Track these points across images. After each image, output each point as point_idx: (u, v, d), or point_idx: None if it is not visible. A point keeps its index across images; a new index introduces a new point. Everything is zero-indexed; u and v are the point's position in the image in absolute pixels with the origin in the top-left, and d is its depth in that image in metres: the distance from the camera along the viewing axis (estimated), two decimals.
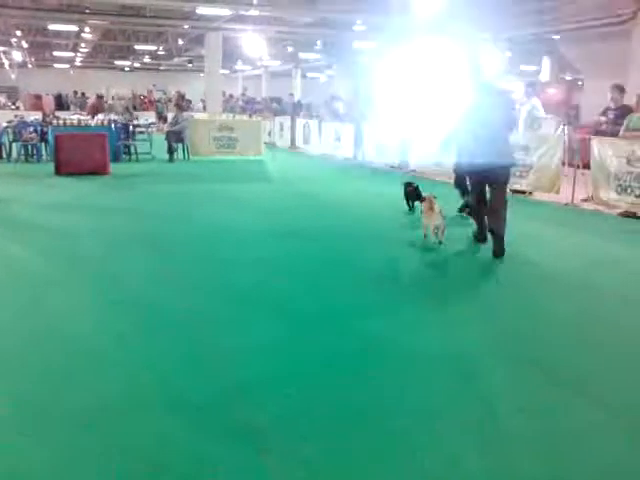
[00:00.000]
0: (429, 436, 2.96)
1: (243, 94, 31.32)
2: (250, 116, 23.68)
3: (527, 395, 3.40)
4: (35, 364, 3.67)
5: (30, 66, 38.22)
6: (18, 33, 28.97)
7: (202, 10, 19.37)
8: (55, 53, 35.17)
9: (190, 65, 37.11)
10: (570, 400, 3.35)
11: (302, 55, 33.05)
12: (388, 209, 9.10)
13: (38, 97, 28.92)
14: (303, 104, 23.48)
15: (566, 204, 9.72)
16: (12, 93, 35.29)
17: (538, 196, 10.45)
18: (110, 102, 16.75)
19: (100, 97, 20.38)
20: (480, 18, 19.72)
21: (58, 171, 11.77)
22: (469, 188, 7.05)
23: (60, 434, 2.91)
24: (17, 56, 33.36)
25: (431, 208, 6.68)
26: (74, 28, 25.86)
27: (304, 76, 38.09)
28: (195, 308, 4.67)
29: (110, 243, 6.75)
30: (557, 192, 9.98)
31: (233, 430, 2.97)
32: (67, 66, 39.62)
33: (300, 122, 19.96)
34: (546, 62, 24.91)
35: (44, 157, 14.36)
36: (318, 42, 30.49)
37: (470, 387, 3.48)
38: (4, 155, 14.81)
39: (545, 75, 24.87)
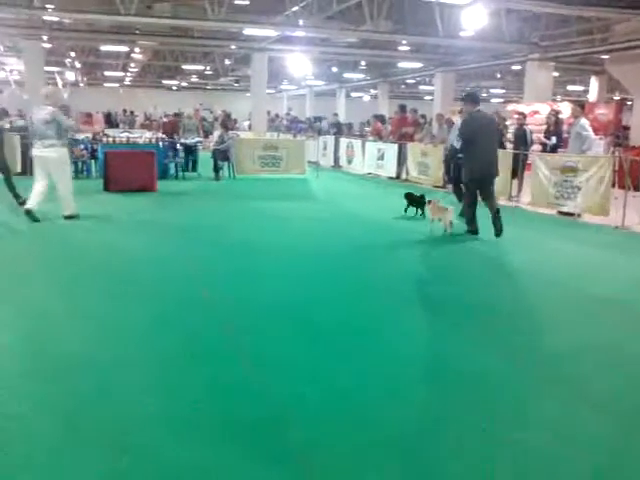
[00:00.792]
0: None
1: (288, 113, 31.64)
2: (294, 135, 23.88)
3: None
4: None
5: (82, 85, 39.37)
6: (72, 54, 29.94)
7: (249, 31, 19.70)
8: (106, 73, 36.19)
9: (236, 85, 37.69)
10: None
11: (346, 75, 33.27)
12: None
13: (89, 115, 29.69)
14: (345, 124, 23.62)
15: (616, 227, 9.49)
16: (64, 111, 36.33)
17: (587, 218, 10.24)
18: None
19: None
20: (528, 38, 19.62)
21: (107, 188, 12.04)
22: (465, 192, 8.88)
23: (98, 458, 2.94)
24: (70, 76, 34.40)
25: (438, 208, 8.72)
26: (125, 49, 26.61)
27: (348, 96, 38.33)
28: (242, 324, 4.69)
29: (155, 257, 6.86)
30: (606, 215, 9.76)
31: (281, 451, 2.96)
32: (117, 85, 40.69)
33: (344, 141, 20.03)
34: (594, 82, 24.54)
35: (93, 174, 14.71)
36: (362, 62, 30.69)
37: None
38: None
39: (593, 95, 24.48)
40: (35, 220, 8.54)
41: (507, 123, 16.48)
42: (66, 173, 8.95)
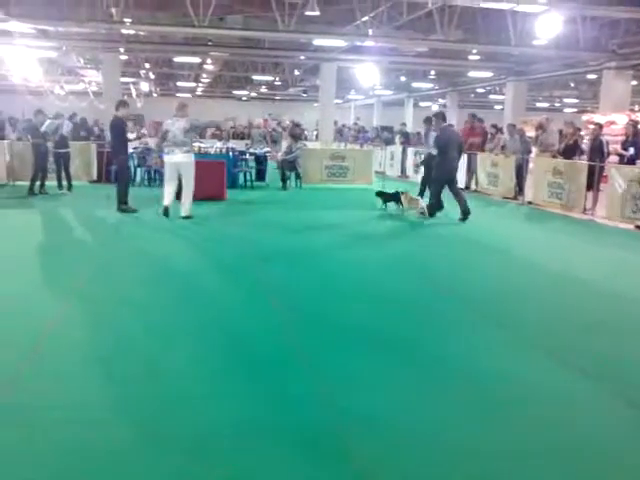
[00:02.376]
0: None
1: (355, 123, 31.66)
2: (361, 145, 23.85)
3: None
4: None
5: (155, 95, 40.55)
6: (147, 65, 30.90)
7: (319, 41, 19.83)
8: (178, 83, 37.21)
9: (304, 95, 38.03)
10: None
11: (415, 84, 33.04)
12: (501, 241, 8.82)
13: (159, 124, 30.50)
14: (413, 133, 23.42)
15: None
16: (138, 120, 37.49)
17: None
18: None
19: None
20: (605, 46, 19.00)
21: (178, 196, 12.27)
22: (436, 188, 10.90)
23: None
24: (144, 86, 35.50)
25: (410, 198, 11.18)
26: (197, 60, 27.27)
27: (416, 105, 38.04)
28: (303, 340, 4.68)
29: (222, 262, 6.94)
30: None
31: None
32: (189, 95, 41.70)
33: (411, 151, 19.86)
34: None
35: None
36: (431, 71, 30.41)
37: None
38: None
39: None
40: (166, 216, 9.82)
41: (581, 133, 15.97)
42: (192, 177, 10.04)
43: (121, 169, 10.88)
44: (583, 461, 3.08)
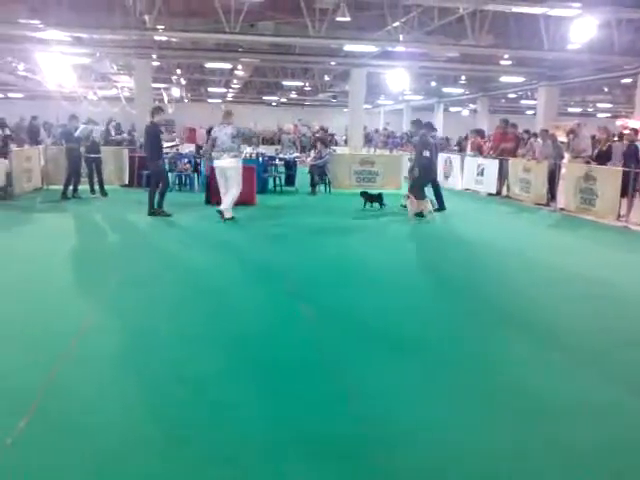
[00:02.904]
0: None
1: (385, 128, 31.58)
2: (391, 150, 23.78)
3: None
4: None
5: (186, 101, 40.96)
6: (178, 71, 31.24)
7: (349, 47, 19.84)
8: (209, 89, 37.51)
9: (334, 100, 38.05)
10: None
11: (445, 89, 32.84)
12: (534, 250, 8.70)
13: (192, 130, 30.78)
14: (442, 138, 23.27)
15: None
16: (169, 126, 37.92)
17: None
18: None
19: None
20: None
21: (209, 201, 12.38)
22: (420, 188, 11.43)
23: None
24: (176, 92, 35.85)
25: (419, 202, 11.19)
26: (228, 66, 27.47)
27: (446, 110, 37.82)
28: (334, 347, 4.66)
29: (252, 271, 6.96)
30: None
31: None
32: (219, 101, 42.03)
33: (441, 157, 19.72)
34: None
35: (196, 187, 15.19)
36: (462, 76, 30.22)
37: None
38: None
39: None
40: (220, 213, 10.22)
41: (615, 139, 15.69)
42: (239, 180, 10.49)
43: (155, 175, 11.01)
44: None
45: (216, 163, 10.43)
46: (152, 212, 10.75)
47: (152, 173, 11.21)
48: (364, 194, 12.61)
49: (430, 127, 12.48)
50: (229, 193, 10.40)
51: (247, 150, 16.01)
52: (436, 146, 12.78)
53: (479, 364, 4.38)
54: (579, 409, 3.71)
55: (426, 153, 11.34)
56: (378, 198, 12.53)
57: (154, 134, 10.83)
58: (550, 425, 3.48)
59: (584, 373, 4.28)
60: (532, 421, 3.52)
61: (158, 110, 11.15)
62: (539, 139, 15.03)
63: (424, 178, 11.50)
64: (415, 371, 4.21)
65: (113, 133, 17.29)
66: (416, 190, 11.36)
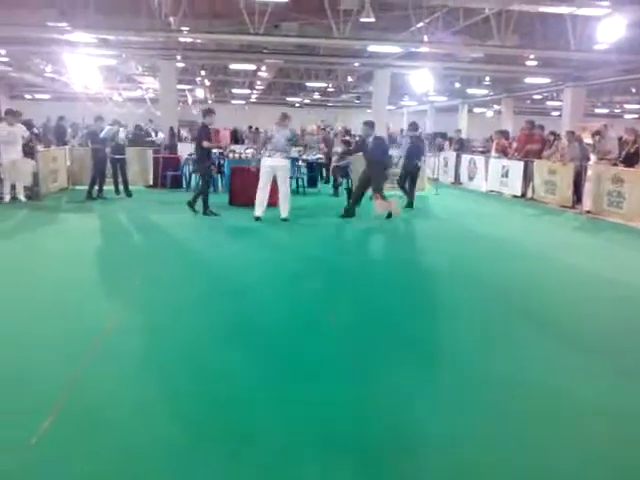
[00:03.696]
0: None
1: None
2: None
3: None
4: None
5: (210, 102, 41.17)
6: (202, 73, 31.41)
7: (374, 48, 19.78)
8: (233, 90, 37.68)
9: (357, 101, 37.98)
10: None
11: (470, 90, 32.61)
12: (560, 251, 8.58)
13: (216, 131, 30.97)
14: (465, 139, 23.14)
15: None
16: (193, 127, 38.18)
17: None
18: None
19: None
20: None
21: (232, 202, 12.42)
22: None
23: None
24: (200, 93, 36.08)
25: (387, 203, 11.09)
26: (252, 67, 27.55)
27: (470, 111, 37.54)
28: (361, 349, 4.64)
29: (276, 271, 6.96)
30: None
31: None
32: (243, 102, 42.20)
33: (465, 158, 19.61)
34: None
35: (220, 188, 15.24)
36: (487, 77, 29.97)
37: None
38: (184, 185, 15.94)
39: None
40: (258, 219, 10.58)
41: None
42: (288, 180, 11.00)
43: (203, 176, 11.28)
44: None
45: (266, 162, 10.69)
46: (206, 213, 11.10)
47: (200, 173, 11.59)
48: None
49: (415, 127, 13.48)
50: (282, 195, 10.77)
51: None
52: (418, 144, 13.56)
53: (510, 374, 4.31)
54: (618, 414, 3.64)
55: (391, 152, 11.79)
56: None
57: (202, 135, 11.08)
58: (582, 433, 3.43)
59: (607, 375, 4.21)
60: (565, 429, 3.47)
61: (209, 112, 11.36)
62: (564, 140, 14.84)
63: (383, 177, 11.57)
64: (443, 378, 4.16)
65: (154, 135, 17.58)
66: (379, 190, 11.38)
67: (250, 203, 11.48)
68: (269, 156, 10.68)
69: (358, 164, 15.91)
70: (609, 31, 13.95)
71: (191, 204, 11.16)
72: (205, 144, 10.99)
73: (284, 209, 10.78)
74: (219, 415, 3.48)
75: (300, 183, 15.68)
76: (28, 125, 14.93)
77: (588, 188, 13.14)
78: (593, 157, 14.32)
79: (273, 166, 10.63)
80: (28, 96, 39.15)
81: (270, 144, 10.72)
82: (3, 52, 23.56)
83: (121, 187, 13.82)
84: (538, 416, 3.61)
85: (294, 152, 17.70)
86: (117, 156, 13.59)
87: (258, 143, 11.44)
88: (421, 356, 4.51)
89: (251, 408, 3.58)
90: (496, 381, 4.09)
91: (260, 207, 10.72)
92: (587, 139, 16.09)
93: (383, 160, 11.41)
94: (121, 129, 13.97)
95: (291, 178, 15.28)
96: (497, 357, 4.56)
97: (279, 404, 3.64)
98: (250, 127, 34.72)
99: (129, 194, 13.82)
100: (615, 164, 13.00)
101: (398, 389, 3.88)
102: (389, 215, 11.12)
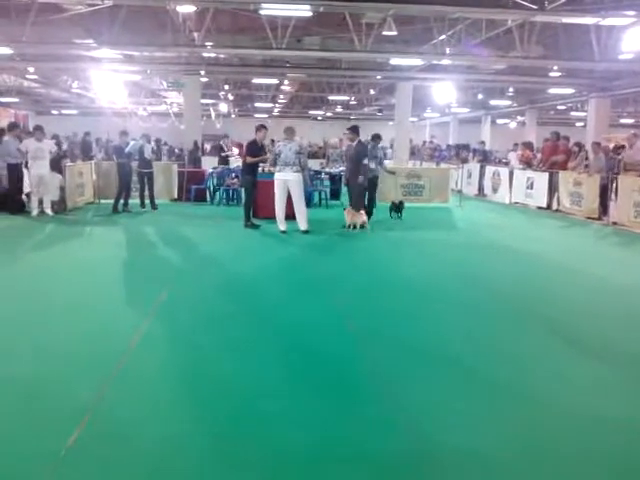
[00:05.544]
0: None
1: (431, 142, 31.38)
2: (437, 164, 23.61)
3: None
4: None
5: (233, 116, 41.53)
6: (226, 87, 31.73)
7: (396, 61, 19.80)
8: (256, 104, 37.97)
9: (379, 114, 38.03)
10: None
11: (493, 102, 32.47)
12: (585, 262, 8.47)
13: (239, 145, 31.22)
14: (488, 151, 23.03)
15: None
16: (216, 141, 38.56)
17: None
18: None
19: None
20: None
21: (255, 214, 12.46)
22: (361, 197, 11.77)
23: None
24: (223, 107, 36.41)
25: (354, 214, 11.17)
26: (275, 81, 27.76)
27: (493, 122, 37.36)
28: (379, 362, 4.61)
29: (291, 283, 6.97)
30: None
31: None
32: (266, 116, 42.45)
33: (489, 169, 19.50)
34: None
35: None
36: (510, 88, 29.84)
37: None
38: (208, 198, 16.05)
39: None
40: (284, 233, 10.77)
41: None
42: (302, 193, 10.98)
43: (246, 189, 11.60)
44: None
45: (278, 175, 10.86)
46: (247, 225, 11.42)
47: (244, 187, 11.91)
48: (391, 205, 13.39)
49: (378, 138, 13.11)
50: (298, 208, 10.90)
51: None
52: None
53: (533, 388, 4.26)
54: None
55: (365, 161, 11.49)
56: (398, 207, 13.16)
57: (251, 150, 11.37)
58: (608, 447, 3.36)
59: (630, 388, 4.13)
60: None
61: (261, 127, 11.61)
62: (590, 152, 14.66)
63: (365, 188, 11.72)
64: (464, 389, 4.12)
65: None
66: (360, 202, 11.61)
67: (271, 216, 11.56)
68: (279, 171, 10.83)
69: (381, 177, 15.92)
70: (634, 40, 13.82)
71: (247, 224, 11.44)
72: (248, 160, 11.26)
73: (302, 222, 10.86)
74: (246, 432, 3.47)
75: (323, 196, 15.69)
76: (56, 140, 15.18)
77: (615, 199, 12.98)
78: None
79: (285, 180, 10.74)
80: (55, 111, 39.82)
81: (279, 159, 10.82)
82: (32, 69, 24.01)
83: (147, 201, 13.96)
84: (569, 434, 3.55)
85: (317, 165, 17.82)
86: (144, 170, 13.74)
87: (269, 159, 11.53)
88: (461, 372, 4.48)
89: (276, 423, 3.57)
90: (524, 396, 4.04)
91: (282, 222, 10.88)
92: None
93: (358, 167, 11.47)
94: (147, 144, 14.11)
95: (313, 191, 15.39)
96: (530, 373, 4.50)
97: (309, 419, 3.62)
98: (273, 141, 34.96)
99: (155, 207, 13.95)
100: None
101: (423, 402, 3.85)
102: (362, 226, 11.19)
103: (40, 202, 12.52)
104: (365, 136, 13.07)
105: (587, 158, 14.70)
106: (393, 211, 13.18)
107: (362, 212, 11.37)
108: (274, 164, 10.99)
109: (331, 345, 4.97)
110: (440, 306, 6.29)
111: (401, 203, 13.29)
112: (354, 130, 11.92)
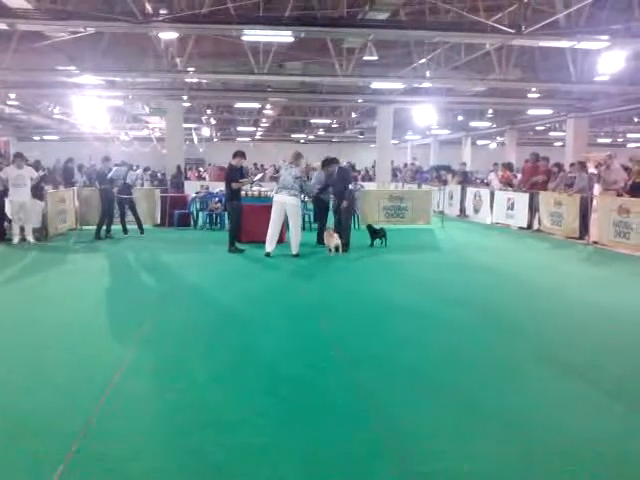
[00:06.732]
0: None
1: (412, 164, 31.67)
2: (419, 186, 23.80)
3: None
4: None
5: (215, 140, 41.65)
6: (208, 111, 31.86)
7: (376, 85, 20.04)
8: (239, 128, 38.15)
9: (361, 137, 38.36)
10: None
11: (472, 124, 32.90)
12: (573, 287, 8.55)
13: (222, 169, 31.27)
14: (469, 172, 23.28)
15: None
16: (199, 165, 38.61)
17: None
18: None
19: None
20: None
21: (238, 239, 12.46)
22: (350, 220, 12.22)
23: None
24: (205, 131, 36.54)
25: (331, 235, 11.19)
26: (257, 105, 27.93)
27: (474, 144, 37.83)
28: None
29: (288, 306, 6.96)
30: None
31: None
32: (248, 139, 42.65)
33: (470, 191, 19.69)
34: None
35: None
36: (489, 110, 30.28)
37: None
38: (192, 223, 16.03)
39: None
40: (268, 255, 10.82)
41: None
42: (299, 217, 11.24)
43: (232, 215, 11.62)
44: None
45: (277, 198, 11.00)
46: (231, 249, 11.44)
47: (228, 212, 12.03)
48: (369, 228, 12.82)
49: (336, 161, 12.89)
50: (293, 232, 11.00)
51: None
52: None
53: (524, 411, 4.27)
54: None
55: (350, 186, 11.83)
56: (380, 234, 12.49)
57: (231, 176, 11.41)
58: None
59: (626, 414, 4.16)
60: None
61: (238, 154, 11.63)
62: (575, 171, 14.77)
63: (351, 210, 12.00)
64: (454, 413, 4.12)
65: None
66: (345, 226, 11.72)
67: (257, 240, 11.58)
68: (277, 192, 10.99)
69: (363, 198, 16.05)
70: (609, 63, 14.14)
71: (232, 249, 11.44)
72: (234, 185, 11.31)
73: (295, 245, 10.89)
74: (235, 464, 3.43)
75: (306, 219, 15.71)
76: (36, 167, 15.11)
77: (594, 219, 13.15)
78: (597, 187, 14.37)
79: (282, 202, 10.84)
80: (36, 137, 39.70)
81: (279, 181, 11.03)
82: (13, 95, 23.98)
83: (130, 226, 13.89)
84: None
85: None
86: (124, 196, 13.67)
87: (264, 175, 11.85)
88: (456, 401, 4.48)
89: (264, 453, 3.54)
90: (516, 419, 4.05)
91: (271, 243, 10.90)
92: (591, 169, 16.14)
93: (343, 191, 11.72)
94: (131, 172, 14.09)
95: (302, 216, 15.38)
96: (520, 396, 4.51)
97: (295, 453, 3.61)
98: (255, 165, 35.08)
99: (142, 232, 13.90)
100: (620, 194, 13.02)
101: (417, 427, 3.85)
102: (337, 249, 11.13)
103: (22, 229, 12.42)
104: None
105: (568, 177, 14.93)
106: (375, 239, 12.48)
107: (335, 235, 11.23)
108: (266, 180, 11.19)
109: (318, 371, 4.95)
110: (427, 327, 6.30)
111: (382, 230, 12.61)
112: (332, 162, 12.29)
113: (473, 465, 3.42)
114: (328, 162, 12.35)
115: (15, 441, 3.65)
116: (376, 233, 12.52)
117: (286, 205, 10.83)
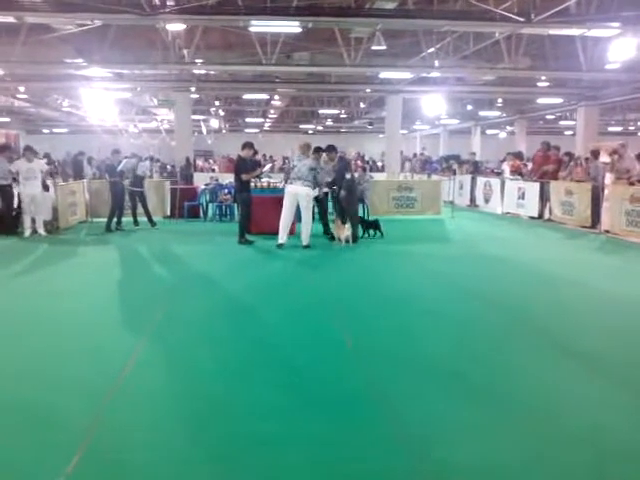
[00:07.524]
0: None
1: (422, 153, 31.55)
2: (429, 176, 23.72)
3: None
4: None
5: (224, 131, 41.64)
6: (216, 103, 31.84)
7: (385, 74, 19.94)
8: (247, 119, 38.14)
9: (369, 127, 38.24)
10: None
11: (482, 113, 32.72)
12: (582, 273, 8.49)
13: (231, 160, 31.28)
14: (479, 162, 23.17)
15: None
16: (208, 157, 38.65)
17: None
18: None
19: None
20: None
21: (248, 231, 12.46)
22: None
23: None
24: (214, 123, 36.52)
25: (341, 227, 11.10)
26: (265, 96, 27.90)
27: (483, 133, 37.64)
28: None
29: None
30: None
31: None
32: (257, 131, 42.61)
33: (481, 180, 19.60)
34: None
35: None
36: (499, 99, 30.09)
37: None
38: (201, 214, 16.04)
39: None
40: (280, 247, 10.77)
41: None
42: (310, 208, 11.13)
43: (242, 206, 11.59)
44: None
45: (288, 188, 11.03)
46: (241, 241, 11.40)
47: (238, 204, 12.09)
48: (361, 219, 12.44)
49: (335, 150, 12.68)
50: (304, 222, 10.94)
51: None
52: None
53: (543, 404, 4.25)
54: None
55: (348, 175, 11.58)
56: (375, 225, 12.25)
57: (240, 167, 11.39)
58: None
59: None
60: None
61: (247, 145, 11.60)
62: (581, 161, 14.71)
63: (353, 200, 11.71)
64: (465, 404, 4.12)
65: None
66: (350, 214, 11.44)
67: (266, 232, 11.58)
68: (291, 183, 10.97)
69: (373, 189, 16.01)
70: (620, 51, 13.99)
71: (242, 241, 11.40)
72: (244, 177, 11.28)
73: (305, 236, 10.86)
74: (245, 455, 3.44)
75: (317, 210, 15.67)
76: (47, 160, 15.16)
77: (606, 208, 13.06)
78: (609, 175, 14.25)
79: (295, 193, 10.82)
80: (46, 130, 39.84)
81: (292, 172, 11.07)
82: (22, 89, 24.06)
83: (140, 219, 13.90)
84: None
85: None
86: (135, 188, 13.67)
87: (273, 166, 11.85)
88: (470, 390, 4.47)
89: (275, 444, 3.55)
90: (527, 409, 4.04)
91: (284, 232, 10.86)
92: (602, 157, 16.02)
93: (341, 180, 11.55)
94: (141, 163, 14.09)
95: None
96: (531, 385, 4.50)
97: (306, 443, 3.61)
98: (264, 155, 35.06)
99: (153, 224, 13.91)
100: (632, 183, 12.91)
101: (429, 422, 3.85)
102: (347, 240, 11.06)
103: (33, 222, 12.48)
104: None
105: (581, 165, 14.83)
106: (368, 230, 12.19)
107: (346, 226, 11.10)
108: (287, 177, 11.23)
109: (329, 363, 4.95)
110: (437, 319, 6.28)
111: (376, 221, 12.39)
112: (332, 149, 12.20)
113: (489, 457, 3.41)
114: (328, 150, 12.16)
115: (29, 432, 3.67)
116: (368, 225, 12.29)
117: (298, 195, 10.80)
